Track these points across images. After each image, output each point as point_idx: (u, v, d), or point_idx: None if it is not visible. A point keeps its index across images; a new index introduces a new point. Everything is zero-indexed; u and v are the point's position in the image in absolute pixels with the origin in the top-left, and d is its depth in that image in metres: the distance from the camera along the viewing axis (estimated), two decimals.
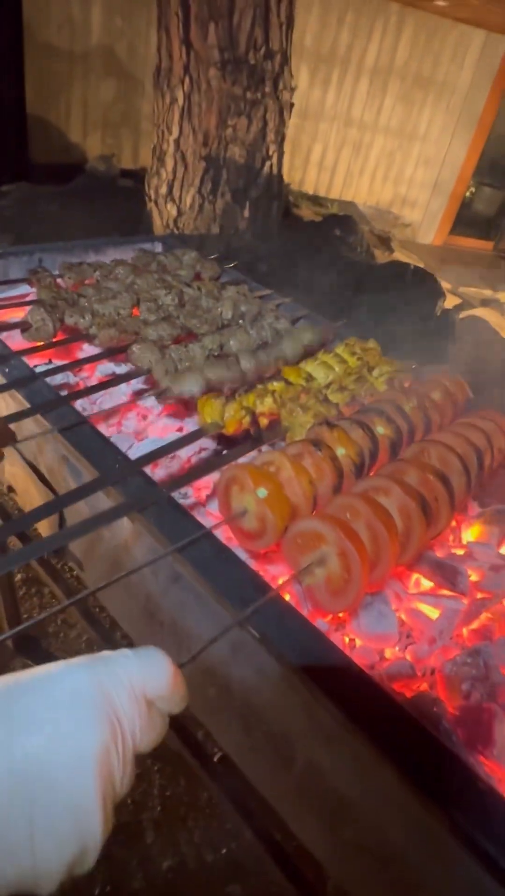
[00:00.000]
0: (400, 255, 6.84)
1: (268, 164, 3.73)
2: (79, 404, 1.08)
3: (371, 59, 6.84)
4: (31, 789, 0.32)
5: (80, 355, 1.24)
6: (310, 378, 1.00)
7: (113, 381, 1.01)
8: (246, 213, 3.79)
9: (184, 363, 1.00)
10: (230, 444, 1.09)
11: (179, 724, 1.36)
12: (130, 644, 0.49)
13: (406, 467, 0.87)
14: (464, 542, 0.98)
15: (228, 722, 0.83)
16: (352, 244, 4.98)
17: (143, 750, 0.39)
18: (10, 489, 1.34)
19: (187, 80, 3.44)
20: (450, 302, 5.95)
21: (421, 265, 7.04)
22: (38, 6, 4.95)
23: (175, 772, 1.74)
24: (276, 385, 0.94)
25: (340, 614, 0.82)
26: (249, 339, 1.11)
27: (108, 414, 1.08)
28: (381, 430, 0.96)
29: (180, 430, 1.11)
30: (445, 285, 7.62)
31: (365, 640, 0.79)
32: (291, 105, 3.67)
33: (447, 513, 0.88)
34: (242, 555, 0.86)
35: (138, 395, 1.03)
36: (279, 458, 0.86)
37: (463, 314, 4.12)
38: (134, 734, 0.37)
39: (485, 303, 6.84)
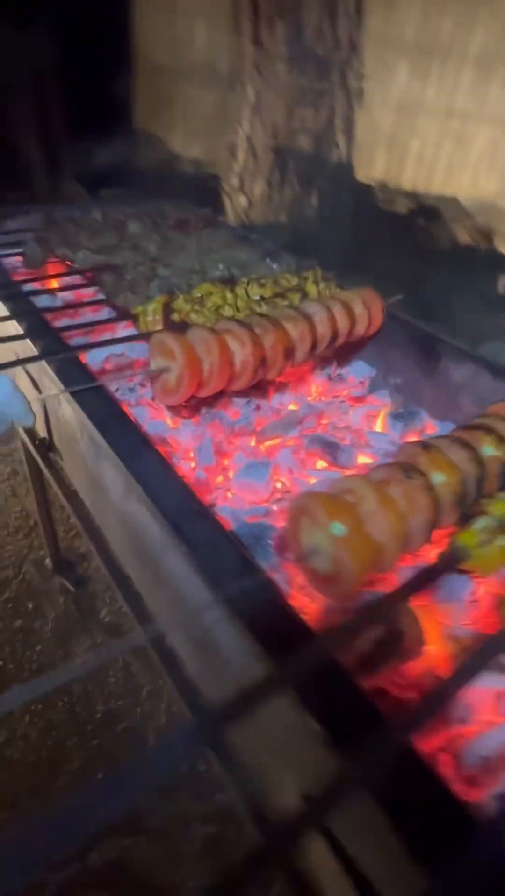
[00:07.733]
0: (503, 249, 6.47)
1: (336, 152, 3.81)
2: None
3: (475, 47, 6.57)
4: None
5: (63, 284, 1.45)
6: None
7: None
8: (314, 201, 3.90)
9: (136, 281, 1.17)
10: None
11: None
12: None
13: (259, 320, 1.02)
14: (366, 431, 1.05)
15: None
16: (433, 234, 4.88)
17: None
18: None
19: (257, 76, 3.64)
20: None
21: None
22: (146, 28, 5.40)
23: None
24: (200, 290, 1.08)
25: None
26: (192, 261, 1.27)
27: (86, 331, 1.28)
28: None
29: None
30: None
31: (236, 490, 0.90)
32: (361, 92, 3.73)
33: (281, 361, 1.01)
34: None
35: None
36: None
37: None
38: None
39: None
